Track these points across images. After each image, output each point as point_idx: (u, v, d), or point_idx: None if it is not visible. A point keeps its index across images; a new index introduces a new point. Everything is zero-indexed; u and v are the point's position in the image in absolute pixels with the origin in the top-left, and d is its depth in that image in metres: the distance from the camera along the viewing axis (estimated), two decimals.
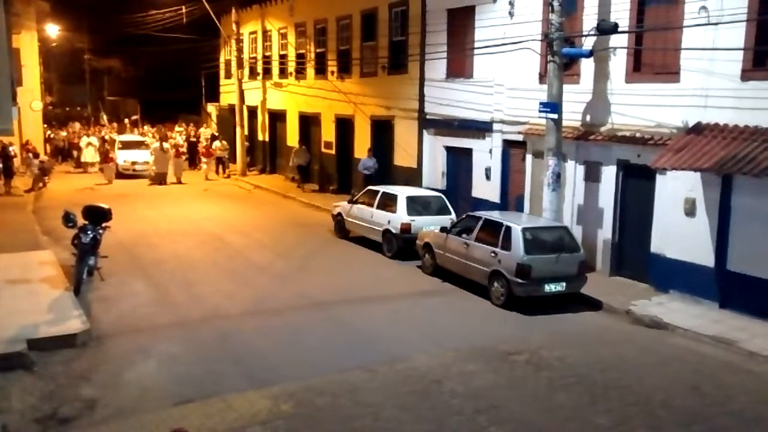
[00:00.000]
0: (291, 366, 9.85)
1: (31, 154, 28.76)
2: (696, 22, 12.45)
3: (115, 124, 46.30)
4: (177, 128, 42.50)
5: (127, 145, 32.15)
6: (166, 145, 30.51)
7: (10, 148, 26.42)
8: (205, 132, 36.70)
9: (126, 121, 48.36)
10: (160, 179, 28.88)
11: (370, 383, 9.30)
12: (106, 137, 35.92)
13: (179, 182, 29.33)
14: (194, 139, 35.63)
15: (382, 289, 14.12)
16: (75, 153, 34.72)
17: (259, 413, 8.30)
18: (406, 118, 21.72)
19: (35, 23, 34.10)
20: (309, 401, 8.66)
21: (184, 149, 33.25)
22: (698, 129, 12.67)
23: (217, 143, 32.45)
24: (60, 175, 30.38)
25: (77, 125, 42.86)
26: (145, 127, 46.10)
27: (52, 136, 37.05)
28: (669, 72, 13.43)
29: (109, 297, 12.84)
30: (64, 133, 38.76)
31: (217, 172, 31.68)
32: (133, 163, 30.71)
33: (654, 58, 13.98)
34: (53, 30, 42.15)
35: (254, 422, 8.07)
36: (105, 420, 8.12)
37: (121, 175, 29.96)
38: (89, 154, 32.39)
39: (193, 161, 33.56)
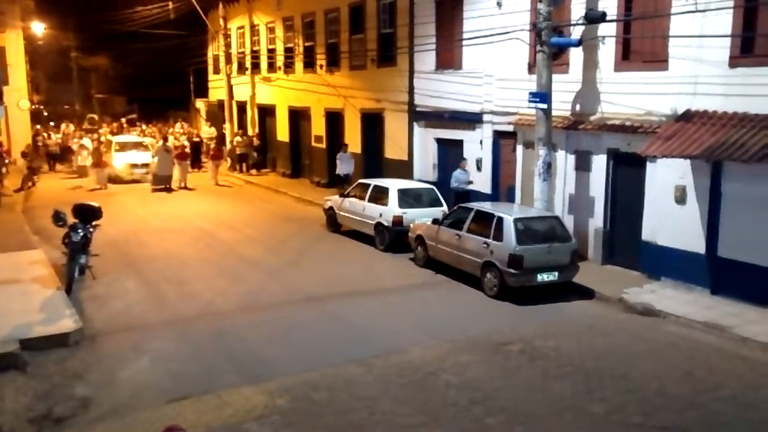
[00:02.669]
0: (286, 361, 9.83)
1: (4, 155, 27.95)
2: (684, 9, 12.44)
3: (114, 124, 43.85)
4: (178, 127, 39.84)
5: (124, 147, 29.27)
6: (169, 144, 28.41)
7: None
8: (209, 131, 34.61)
9: (123, 120, 46.93)
10: (164, 184, 25.96)
11: (365, 377, 9.29)
12: (102, 138, 33.85)
13: (185, 187, 26.52)
14: (197, 139, 33.70)
15: (374, 282, 14.11)
16: (69, 156, 31.88)
17: (255, 408, 8.28)
18: (396, 110, 21.68)
19: (20, 21, 33.87)
20: (305, 395, 8.65)
21: (188, 150, 29.88)
22: (687, 116, 12.70)
23: (237, 138, 31.03)
24: (53, 179, 28.96)
25: (71, 126, 40.25)
26: (145, 127, 43.28)
27: (40, 143, 33.28)
28: (657, 60, 13.44)
29: (101, 295, 12.78)
30: (58, 135, 35.71)
31: (242, 170, 30.11)
32: (132, 165, 28.00)
33: (642, 46, 13.99)
34: (39, 28, 41.78)
35: (250, 418, 8.05)
36: (100, 418, 8.08)
37: (118, 180, 27.37)
38: (82, 158, 29.72)
39: (195, 163, 31.34)
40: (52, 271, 13.67)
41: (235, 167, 31.14)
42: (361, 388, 8.94)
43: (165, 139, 30.37)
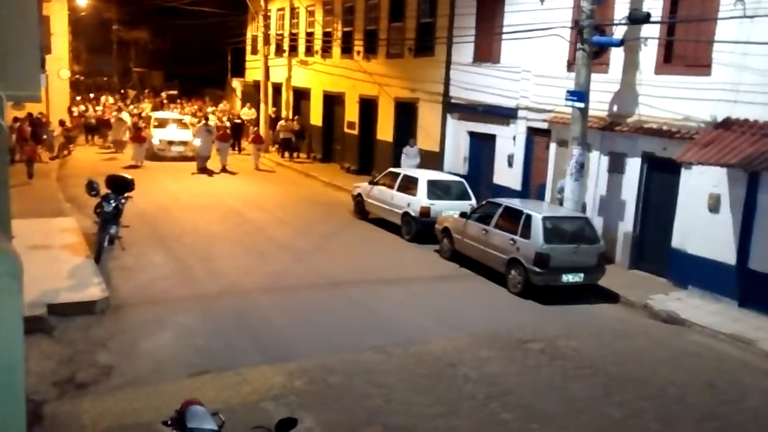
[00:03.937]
0: (306, 343, 9.91)
1: (47, 125, 27.95)
2: (731, 14, 12.22)
3: (156, 100, 43.19)
4: (221, 107, 38.85)
5: (163, 123, 28.74)
6: (211, 124, 27.62)
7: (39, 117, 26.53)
8: (248, 112, 33.77)
9: (163, 95, 46.69)
10: (204, 165, 25.21)
11: (384, 364, 9.33)
12: (142, 114, 33.60)
13: (225, 171, 25.38)
14: (239, 121, 32.53)
15: (399, 271, 14.13)
16: (107, 130, 30.92)
17: (273, 388, 8.37)
18: (431, 101, 21.60)
19: None
20: (322, 379, 8.72)
21: (229, 131, 28.85)
22: (727, 124, 12.48)
23: (281, 122, 30.03)
24: (89, 151, 28.89)
25: (110, 99, 39.85)
26: (185, 104, 42.37)
27: (75, 113, 33.13)
28: (700, 65, 13.21)
29: (129, 267, 12.97)
30: (98, 108, 35.42)
31: (284, 155, 29.21)
32: (170, 143, 27.38)
33: (685, 50, 13.76)
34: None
35: (267, 396, 8.13)
36: (121, 387, 8.22)
37: (155, 157, 26.70)
38: (118, 132, 28.96)
39: (236, 145, 30.19)
40: (83, 239, 13.91)
41: (268, 149, 30.97)
42: (379, 375, 8.97)
43: (206, 119, 29.65)
